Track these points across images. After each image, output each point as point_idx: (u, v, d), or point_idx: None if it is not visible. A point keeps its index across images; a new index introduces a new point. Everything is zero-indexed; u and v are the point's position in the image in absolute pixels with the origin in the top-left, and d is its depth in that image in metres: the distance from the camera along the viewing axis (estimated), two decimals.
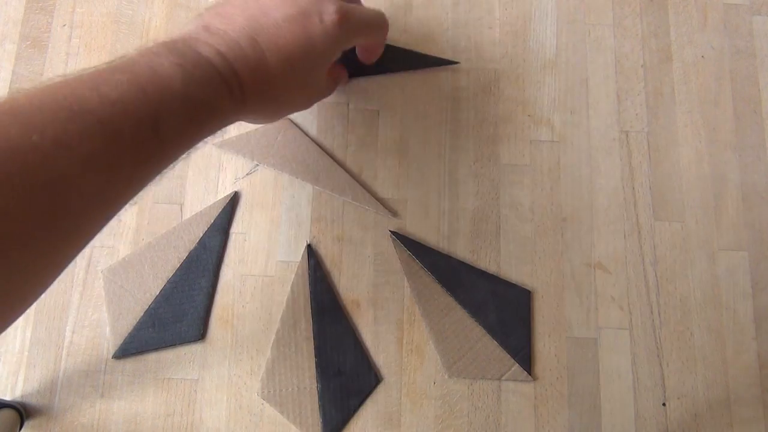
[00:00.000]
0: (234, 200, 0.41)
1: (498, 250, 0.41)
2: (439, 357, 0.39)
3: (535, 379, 0.39)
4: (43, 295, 0.39)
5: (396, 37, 0.44)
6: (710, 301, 0.40)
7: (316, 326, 0.39)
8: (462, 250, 0.41)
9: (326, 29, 0.31)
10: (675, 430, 0.38)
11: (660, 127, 0.43)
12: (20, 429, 0.37)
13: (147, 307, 0.39)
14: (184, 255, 0.40)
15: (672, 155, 0.42)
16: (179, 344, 0.39)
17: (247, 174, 0.42)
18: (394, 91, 0.43)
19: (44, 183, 0.21)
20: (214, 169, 0.42)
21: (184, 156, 0.28)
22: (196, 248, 0.40)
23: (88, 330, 0.39)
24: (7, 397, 0.38)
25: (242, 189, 0.41)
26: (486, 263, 0.41)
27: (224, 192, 0.41)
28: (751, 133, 0.43)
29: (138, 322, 0.39)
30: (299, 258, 0.40)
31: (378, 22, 0.36)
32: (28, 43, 0.43)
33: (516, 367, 0.38)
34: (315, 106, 0.43)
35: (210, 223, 0.40)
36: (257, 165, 0.42)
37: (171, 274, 0.39)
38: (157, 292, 0.39)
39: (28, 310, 0.39)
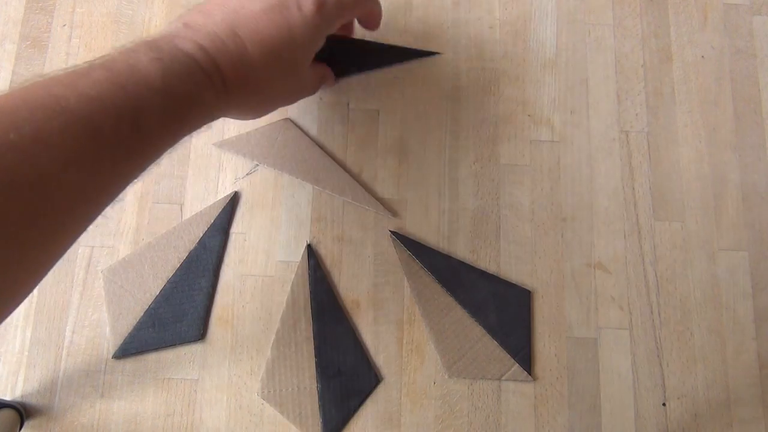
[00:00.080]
0: (234, 200, 0.41)
1: (498, 250, 0.41)
2: (439, 357, 0.39)
3: (535, 379, 0.39)
4: (43, 296, 0.39)
5: (396, 37, 0.44)
6: (710, 301, 0.40)
7: (316, 326, 0.39)
8: (462, 250, 0.41)
9: (305, 17, 0.30)
10: (675, 430, 0.38)
11: (660, 127, 0.43)
12: (20, 429, 0.37)
13: (147, 307, 0.39)
14: (184, 255, 0.40)
15: (672, 155, 0.42)
16: (179, 344, 0.39)
17: (247, 174, 0.42)
18: (394, 91, 0.43)
19: (24, 181, 0.20)
20: (214, 169, 0.42)
21: (169, 151, 0.27)
22: (196, 248, 0.40)
23: (88, 330, 0.39)
24: (7, 397, 0.38)
25: (242, 189, 0.41)
26: (486, 263, 0.41)
27: (224, 192, 0.41)
28: (751, 133, 0.43)
29: (138, 322, 0.38)
30: (299, 258, 0.40)
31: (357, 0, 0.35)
32: (28, 43, 0.43)
33: (516, 367, 0.38)
34: (315, 106, 0.43)
35: (210, 223, 0.40)
36: (257, 165, 0.42)
37: (171, 274, 0.39)
38: (157, 292, 0.39)
39: (27, 310, 0.39)
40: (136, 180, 0.26)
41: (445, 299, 0.40)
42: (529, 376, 0.38)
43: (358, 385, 0.38)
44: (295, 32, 0.30)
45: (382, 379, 0.39)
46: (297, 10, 0.30)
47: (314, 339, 0.39)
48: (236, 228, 0.41)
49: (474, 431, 0.38)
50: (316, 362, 0.38)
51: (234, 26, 0.29)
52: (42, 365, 0.38)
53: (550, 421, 0.38)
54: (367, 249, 0.41)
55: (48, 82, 0.23)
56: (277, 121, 0.42)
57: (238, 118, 0.34)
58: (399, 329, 0.39)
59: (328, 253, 0.41)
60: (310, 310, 0.39)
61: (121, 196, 0.26)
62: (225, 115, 0.31)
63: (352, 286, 0.40)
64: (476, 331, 0.39)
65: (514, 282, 0.40)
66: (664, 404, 0.38)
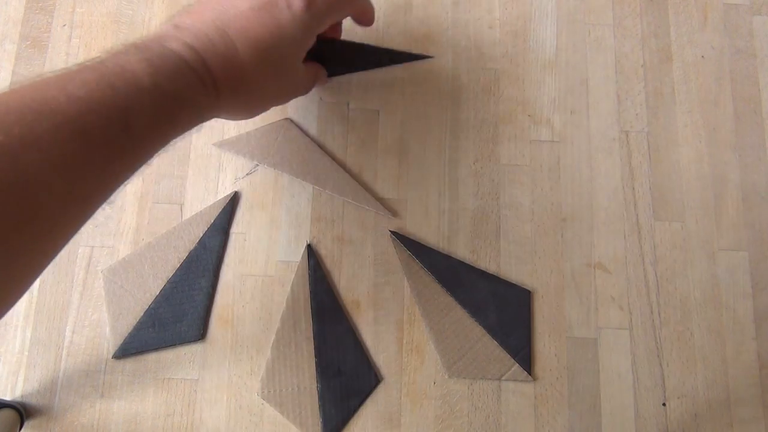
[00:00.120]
0: (234, 200, 0.41)
1: (498, 250, 0.41)
2: (439, 357, 0.39)
3: (535, 379, 0.39)
4: (43, 295, 0.39)
5: (396, 37, 0.44)
6: (710, 301, 0.40)
7: (316, 326, 0.39)
8: (462, 250, 0.41)
9: (294, 15, 0.30)
10: (675, 430, 0.38)
11: (660, 127, 0.43)
12: (20, 429, 0.37)
13: (147, 307, 0.39)
14: (184, 255, 0.40)
15: (672, 155, 0.42)
16: (179, 344, 0.39)
17: (247, 174, 0.42)
18: (394, 91, 0.43)
19: (13, 183, 0.20)
20: (214, 169, 0.42)
21: (160, 152, 0.27)
22: (196, 248, 0.40)
23: (88, 330, 0.39)
24: (7, 397, 0.38)
25: (242, 189, 0.41)
26: (486, 263, 0.41)
27: (224, 192, 0.41)
28: (751, 133, 0.43)
29: (138, 322, 0.39)
30: (299, 258, 0.40)
31: None
32: (28, 43, 0.43)
33: (516, 367, 0.38)
34: (315, 106, 0.43)
35: (210, 223, 0.40)
36: (257, 165, 0.42)
37: (171, 274, 0.39)
38: (157, 292, 0.39)
39: (27, 310, 0.39)
40: (127, 181, 0.26)
41: (445, 299, 0.40)
42: (529, 376, 0.38)
43: (358, 385, 0.38)
44: (285, 30, 0.30)
45: (382, 379, 0.39)
46: (286, 8, 0.30)
47: (314, 339, 0.39)
48: (236, 228, 0.41)
49: (474, 431, 0.38)
50: (316, 362, 0.38)
51: (223, 25, 0.29)
52: (42, 365, 0.38)
53: (550, 421, 0.38)
54: (367, 249, 0.41)
55: (38, 84, 0.23)
56: (277, 121, 0.42)
57: (230, 119, 0.34)
58: (399, 329, 0.39)
59: (328, 253, 0.41)
60: (310, 310, 0.39)
61: (112, 197, 0.26)
62: (217, 116, 0.31)
63: (352, 286, 0.40)
64: (476, 331, 0.39)
65: (514, 282, 0.40)
66: (664, 404, 0.38)
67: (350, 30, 0.41)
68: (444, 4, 0.45)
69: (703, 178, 0.42)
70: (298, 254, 0.40)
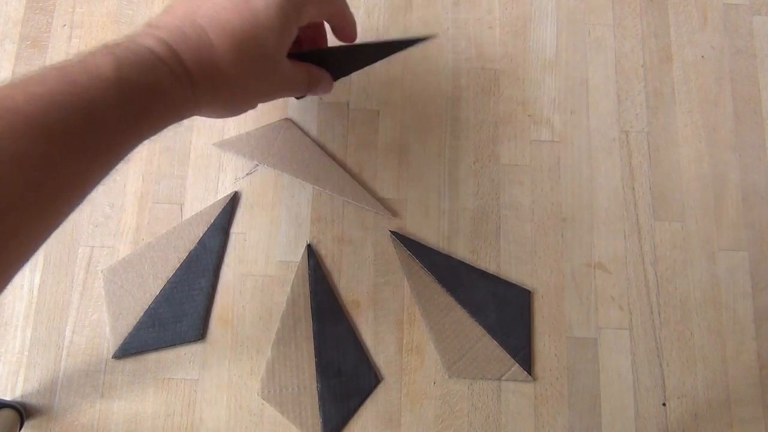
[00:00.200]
0: (234, 200, 0.41)
1: (498, 250, 0.41)
2: (439, 357, 0.39)
3: (535, 379, 0.39)
4: (43, 296, 0.39)
5: (396, 37, 0.44)
6: (710, 301, 0.40)
7: (316, 326, 0.39)
8: (462, 250, 0.41)
9: (269, 4, 0.29)
10: (675, 430, 0.38)
11: (660, 127, 0.43)
12: (20, 429, 0.37)
13: (147, 307, 0.39)
14: (184, 255, 0.40)
15: (672, 155, 0.42)
16: (179, 344, 0.39)
17: (247, 174, 0.42)
18: (394, 91, 0.43)
19: None
20: (214, 169, 0.42)
21: (136, 148, 0.27)
22: (196, 248, 0.40)
23: (88, 330, 0.39)
24: (7, 397, 0.38)
25: (242, 189, 0.41)
26: (486, 263, 0.41)
27: (224, 192, 0.41)
28: (751, 133, 0.43)
29: (138, 322, 0.38)
30: (299, 258, 0.40)
31: None
32: (28, 43, 0.43)
33: (516, 367, 0.38)
34: (315, 106, 0.43)
35: (210, 223, 0.40)
36: (257, 165, 0.42)
37: (171, 274, 0.39)
38: (157, 292, 0.39)
39: (27, 310, 0.39)
40: (101, 181, 0.25)
41: (445, 299, 0.40)
42: (529, 376, 0.38)
43: (358, 385, 0.38)
44: (260, 19, 0.29)
45: (382, 379, 0.39)
46: None
47: (314, 339, 0.39)
48: (236, 228, 0.41)
49: (474, 431, 0.38)
50: (316, 362, 0.38)
51: (195, 17, 0.28)
52: (42, 365, 0.38)
53: (550, 421, 0.38)
54: (367, 249, 0.41)
55: (1, 87, 0.22)
56: (277, 121, 0.42)
57: (214, 116, 0.32)
58: (399, 329, 0.39)
59: (328, 253, 0.41)
60: (310, 310, 0.39)
61: (89, 198, 0.25)
62: (198, 112, 0.30)
63: (352, 286, 0.40)
64: (476, 331, 0.39)
65: (514, 282, 0.40)
66: (664, 404, 0.38)
67: None
68: (444, 5, 0.45)
69: (703, 178, 0.42)
70: (298, 254, 0.40)
